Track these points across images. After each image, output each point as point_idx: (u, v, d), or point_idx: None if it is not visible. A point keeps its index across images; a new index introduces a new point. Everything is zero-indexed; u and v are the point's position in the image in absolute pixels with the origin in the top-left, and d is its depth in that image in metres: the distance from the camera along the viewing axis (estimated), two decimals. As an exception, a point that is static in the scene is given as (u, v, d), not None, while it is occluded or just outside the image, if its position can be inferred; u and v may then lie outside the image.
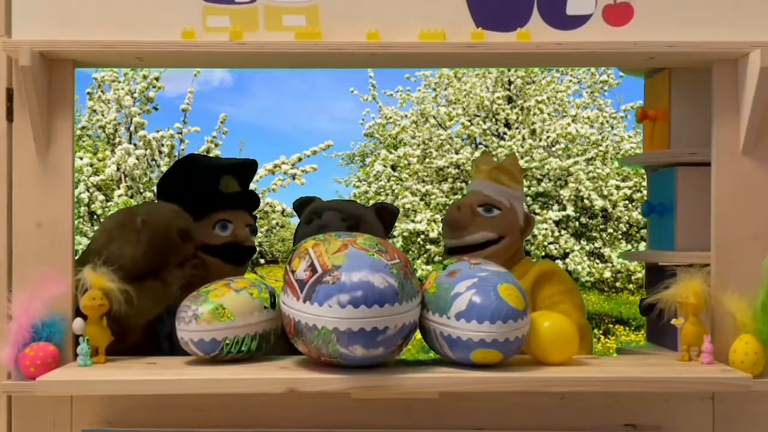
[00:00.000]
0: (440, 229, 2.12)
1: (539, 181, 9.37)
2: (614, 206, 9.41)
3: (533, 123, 9.79)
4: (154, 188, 7.21)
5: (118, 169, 7.32)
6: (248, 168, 2.10)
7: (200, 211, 1.96)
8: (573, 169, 9.27)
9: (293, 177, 7.62)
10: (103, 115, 7.86)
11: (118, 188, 7.24)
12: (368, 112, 11.23)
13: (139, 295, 1.61)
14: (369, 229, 1.93)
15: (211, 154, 7.42)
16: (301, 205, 2.10)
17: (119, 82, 7.76)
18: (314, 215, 1.98)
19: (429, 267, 8.12)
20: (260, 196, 7.86)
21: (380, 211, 2.07)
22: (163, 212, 1.80)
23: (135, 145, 7.51)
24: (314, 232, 1.89)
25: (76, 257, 1.71)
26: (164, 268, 1.75)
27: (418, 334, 1.60)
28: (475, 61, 1.85)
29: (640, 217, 9.04)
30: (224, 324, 1.53)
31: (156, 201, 1.90)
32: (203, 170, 2.02)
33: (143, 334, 1.78)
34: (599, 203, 9.21)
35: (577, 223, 9.46)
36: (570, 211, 9.05)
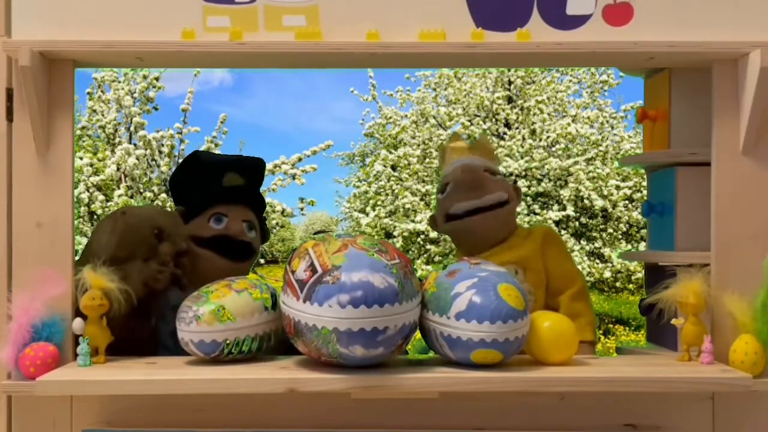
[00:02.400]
0: (440, 199, 2.06)
1: (539, 181, 9.38)
2: (614, 206, 9.42)
3: (533, 123, 9.80)
4: (154, 188, 7.24)
5: (118, 169, 7.32)
6: (253, 165, 2.09)
7: (201, 205, 1.98)
8: (573, 169, 9.28)
9: (293, 177, 7.62)
10: (103, 115, 7.87)
11: (118, 188, 7.24)
12: (368, 112, 11.25)
13: None
14: None
15: (211, 155, 7.42)
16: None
17: (119, 82, 7.76)
18: None
19: (429, 267, 8.12)
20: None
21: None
22: (146, 210, 1.82)
23: (135, 145, 7.51)
24: None
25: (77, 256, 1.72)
26: (131, 261, 1.73)
27: (418, 334, 1.60)
28: (475, 61, 1.85)
29: (640, 217, 9.04)
30: (224, 325, 1.53)
31: (155, 206, 1.92)
32: (207, 166, 2.03)
33: (126, 331, 1.75)
34: (599, 203, 9.22)
35: (577, 223, 9.47)
36: (570, 211, 9.05)
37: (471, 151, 2.07)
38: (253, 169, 2.09)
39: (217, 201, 1.99)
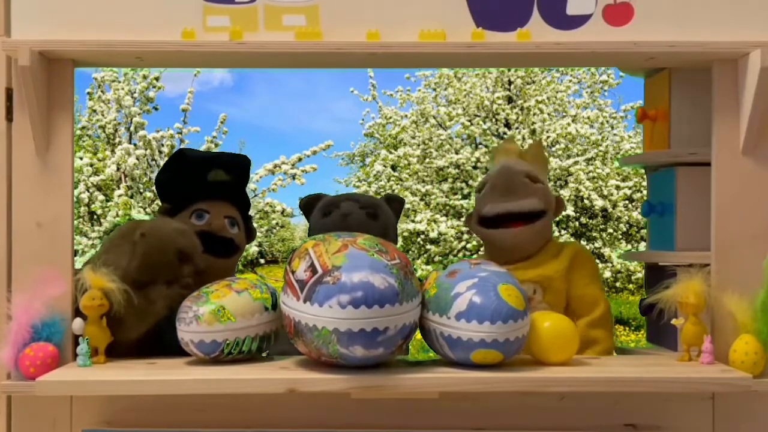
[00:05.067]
0: (477, 198, 2.01)
1: (539, 181, 9.36)
2: (614, 206, 9.42)
3: (533, 123, 9.80)
4: (154, 188, 7.23)
5: (118, 169, 7.32)
6: (237, 162, 2.08)
7: (184, 201, 1.97)
8: (573, 169, 9.28)
9: (293, 177, 7.62)
10: (103, 115, 7.87)
11: (118, 188, 7.23)
12: (368, 112, 11.25)
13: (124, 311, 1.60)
14: (387, 217, 1.99)
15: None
16: (309, 203, 2.10)
17: (119, 82, 7.76)
18: (332, 207, 1.98)
19: (429, 267, 8.12)
20: (260, 196, 7.77)
21: (389, 201, 2.10)
22: (166, 229, 1.75)
23: (135, 145, 7.51)
24: (337, 221, 1.91)
25: (81, 266, 1.70)
26: (152, 285, 1.68)
27: (418, 334, 1.60)
28: (475, 61, 1.85)
29: (640, 217, 9.04)
30: (224, 325, 1.53)
31: (165, 219, 1.88)
32: (191, 163, 2.02)
33: (132, 347, 1.74)
34: (599, 203, 9.22)
35: (577, 223, 9.47)
36: (570, 211, 9.05)
37: (521, 155, 2.02)
38: (237, 166, 2.08)
39: (200, 197, 1.98)
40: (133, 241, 1.68)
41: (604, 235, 9.54)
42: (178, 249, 1.72)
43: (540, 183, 1.97)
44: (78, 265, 1.73)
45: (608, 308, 1.92)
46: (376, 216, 1.95)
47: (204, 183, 1.99)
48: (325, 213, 1.99)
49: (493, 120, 10.12)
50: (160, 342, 1.81)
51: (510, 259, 1.87)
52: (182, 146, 7.56)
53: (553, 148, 9.74)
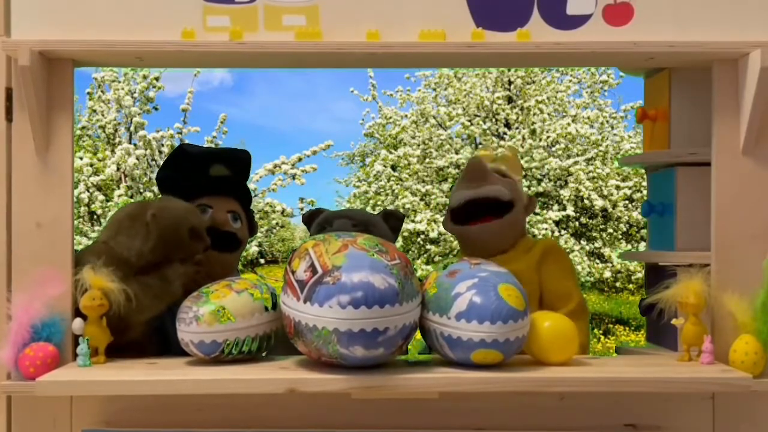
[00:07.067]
0: (453, 190, 2.06)
1: (539, 181, 9.38)
2: (614, 206, 9.42)
3: (533, 123, 9.80)
4: (155, 188, 7.25)
5: (118, 169, 7.33)
6: (238, 157, 2.09)
7: (187, 197, 1.96)
8: (573, 169, 9.28)
9: (293, 177, 7.62)
10: (103, 115, 7.87)
11: (118, 188, 7.24)
12: (368, 112, 11.26)
13: (140, 292, 1.62)
14: (380, 233, 1.96)
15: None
16: (311, 217, 2.12)
17: (119, 82, 7.76)
18: (326, 224, 2.00)
19: (429, 267, 8.12)
20: (260, 196, 7.77)
21: (387, 217, 2.10)
22: (175, 209, 1.79)
23: (135, 145, 7.52)
24: None
25: (86, 247, 1.74)
26: (168, 265, 1.73)
27: (418, 334, 1.60)
28: (475, 61, 1.85)
29: (640, 217, 9.04)
30: (225, 326, 1.53)
31: (170, 198, 1.90)
32: (193, 158, 2.03)
33: (142, 330, 1.77)
34: (599, 203, 9.22)
35: (577, 223, 9.47)
36: (570, 211, 9.06)
37: (494, 161, 2.05)
38: (238, 160, 2.09)
39: (202, 192, 1.99)
40: (145, 222, 1.71)
41: (604, 235, 9.55)
42: (189, 227, 1.77)
43: (509, 178, 2.00)
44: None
45: (582, 302, 1.94)
46: (367, 233, 1.95)
47: (206, 178, 2.01)
48: (319, 230, 2.01)
49: (493, 120, 10.12)
50: (165, 341, 1.82)
51: (483, 255, 1.88)
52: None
53: (553, 148, 9.74)
